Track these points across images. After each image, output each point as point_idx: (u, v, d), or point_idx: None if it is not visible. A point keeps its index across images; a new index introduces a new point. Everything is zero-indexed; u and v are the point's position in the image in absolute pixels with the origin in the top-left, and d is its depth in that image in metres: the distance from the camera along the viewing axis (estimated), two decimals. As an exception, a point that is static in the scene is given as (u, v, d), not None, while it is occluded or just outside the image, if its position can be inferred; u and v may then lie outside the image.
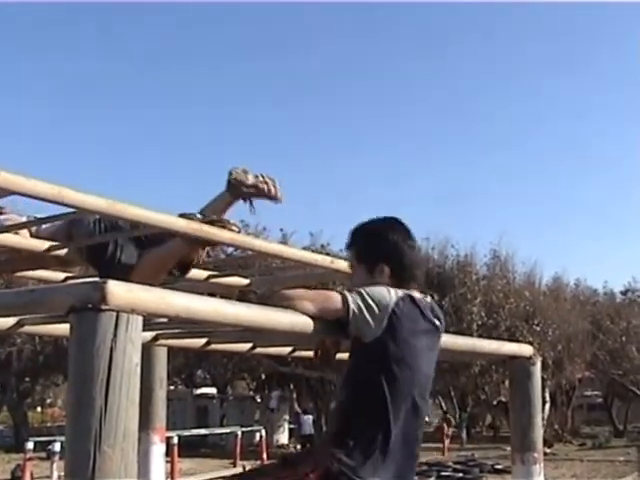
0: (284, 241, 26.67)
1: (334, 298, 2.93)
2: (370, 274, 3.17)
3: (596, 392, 40.99)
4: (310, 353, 4.07)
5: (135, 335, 2.08)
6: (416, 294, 3.13)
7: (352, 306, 2.88)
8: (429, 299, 3.23)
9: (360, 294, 2.96)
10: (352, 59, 79.71)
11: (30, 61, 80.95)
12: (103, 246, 4.04)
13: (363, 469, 2.86)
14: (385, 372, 2.94)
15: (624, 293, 38.50)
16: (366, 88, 78.42)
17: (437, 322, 3.15)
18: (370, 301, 2.93)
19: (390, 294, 2.98)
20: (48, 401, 59.06)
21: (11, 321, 3.23)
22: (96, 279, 2.12)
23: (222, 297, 3.31)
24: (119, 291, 2.04)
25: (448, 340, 3.67)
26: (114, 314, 2.03)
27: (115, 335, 2.03)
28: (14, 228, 4.04)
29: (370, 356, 2.96)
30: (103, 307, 2.02)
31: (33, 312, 2.69)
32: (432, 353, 3.16)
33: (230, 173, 4.10)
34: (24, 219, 4.13)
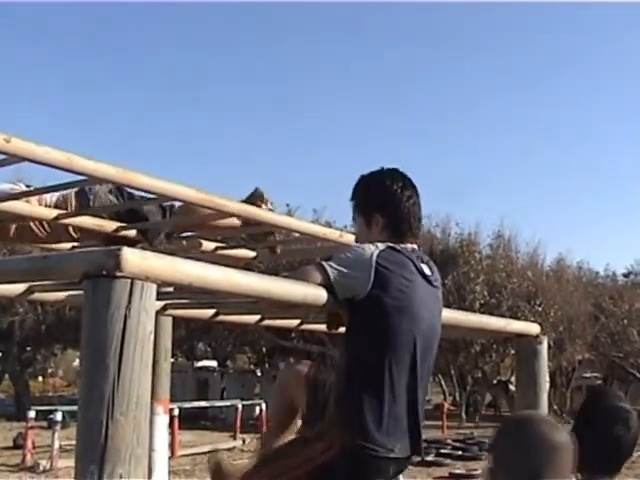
0: (289, 215, 26.65)
1: (310, 270, 2.90)
2: (367, 226, 3.16)
3: (596, 374, 41.06)
4: (315, 327, 4.08)
5: (149, 303, 2.06)
6: (406, 245, 3.08)
7: (329, 271, 2.85)
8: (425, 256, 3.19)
9: (336, 257, 2.96)
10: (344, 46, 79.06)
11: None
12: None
13: (377, 436, 2.84)
14: (383, 326, 2.90)
15: (626, 275, 38.55)
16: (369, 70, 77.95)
17: (428, 271, 3.08)
18: (348, 260, 2.92)
19: (368, 249, 2.94)
20: (49, 371, 59.26)
21: (22, 287, 3.22)
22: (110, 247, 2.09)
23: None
24: (133, 258, 2.03)
25: (456, 316, 3.65)
26: (128, 281, 2.02)
27: (129, 302, 2.02)
28: (23, 195, 4.03)
29: (365, 313, 2.91)
30: (117, 274, 2.00)
31: (46, 279, 2.68)
32: (432, 301, 3.10)
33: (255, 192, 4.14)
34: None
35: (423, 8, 71.88)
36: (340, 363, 3.07)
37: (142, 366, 2.04)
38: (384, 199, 3.14)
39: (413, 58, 73.88)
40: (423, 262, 3.11)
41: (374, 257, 2.90)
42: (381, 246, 2.97)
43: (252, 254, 4.84)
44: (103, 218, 4.17)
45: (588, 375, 40.32)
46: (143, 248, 2.32)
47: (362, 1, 59.55)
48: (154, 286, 2.09)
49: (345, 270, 2.87)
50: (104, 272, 2.01)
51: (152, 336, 2.08)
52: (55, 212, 3.87)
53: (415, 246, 3.14)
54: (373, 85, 77.42)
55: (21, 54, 79.67)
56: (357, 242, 3.23)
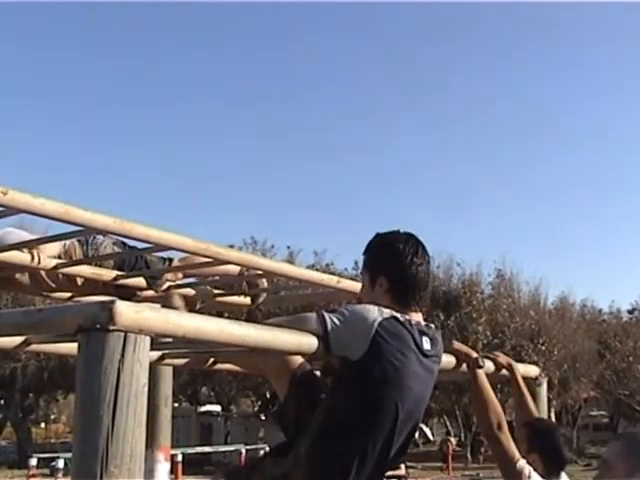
0: (291, 259, 26.75)
1: (309, 318, 2.88)
2: (371, 285, 3.10)
3: (602, 412, 40.82)
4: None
5: (143, 356, 2.08)
6: (413, 316, 3.03)
7: (329, 324, 2.82)
8: (430, 326, 3.13)
9: (340, 312, 2.90)
10: (335, 59, 79.55)
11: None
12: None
13: None
14: (366, 395, 2.87)
15: (631, 312, 38.40)
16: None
17: (427, 346, 3.01)
18: (351, 318, 2.87)
19: (374, 313, 2.88)
20: (52, 417, 59.00)
21: (18, 340, 3.24)
22: (104, 299, 2.11)
23: (229, 316, 3.32)
24: (127, 311, 2.04)
25: (451, 360, 3.65)
26: (122, 334, 2.04)
27: (123, 356, 2.03)
28: (21, 246, 4.06)
29: (353, 377, 2.89)
30: (111, 327, 2.02)
31: (41, 332, 2.69)
32: (424, 375, 3.04)
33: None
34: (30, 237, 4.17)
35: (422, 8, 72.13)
36: (318, 415, 3.05)
37: (136, 418, 2.04)
38: (393, 263, 3.09)
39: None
40: (426, 335, 3.05)
41: (375, 324, 2.85)
42: (386, 314, 2.91)
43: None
44: (103, 267, 4.22)
45: (594, 413, 40.05)
46: (138, 300, 2.34)
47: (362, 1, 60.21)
48: (148, 338, 2.11)
49: (344, 328, 2.84)
50: (98, 325, 2.03)
51: (146, 388, 2.09)
52: (55, 261, 3.89)
53: (420, 318, 3.08)
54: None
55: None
56: (360, 297, 3.21)
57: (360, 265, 3.45)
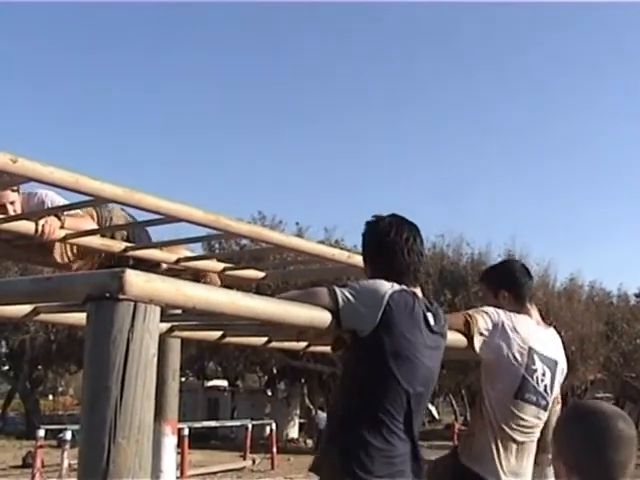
0: (300, 235, 26.69)
1: (321, 293, 2.91)
2: (370, 273, 3.19)
3: (608, 394, 40.77)
4: (324, 348, 4.05)
5: (152, 326, 2.05)
6: (415, 290, 3.11)
7: (340, 298, 2.86)
8: (432, 302, 3.20)
9: (351, 286, 2.95)
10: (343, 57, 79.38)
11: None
12: None
13: (374, 471, 2.82)
14: (382, 367, 2.90)
15: (639, 295, 38.31)
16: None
17: (432, 321, 3.08)
18: (362, 293, 2.92)
19: (384, 286, 2.95)
20: (60, 389, 59.30)
21: (27, 309, 3.21)
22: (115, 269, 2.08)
23: (238, 290, 3.29)
24: (137, 281, 2.01)
25: (460, 338, 3.62)
26: (132, 304, 2.01)
27: (132, 325, 2.00)
28: (31, 215, 4.03)
29: (366, 351, 2.92)
30: (121, 296, 1.99)
31: (50, 300, 2.66)
32: (432, 350, 3.10)
33: None
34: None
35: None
36: (336, 393, 3.08)
37: (145, 389, 2.02)
38: (380, 246, 3.18)
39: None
40: (429, 310, 3.11)
41: (386, 296, 2.90)
42: (396, 287, 2.97)
43: (261, 274, 4.83)
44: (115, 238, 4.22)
45: (600, 395, 40.03)
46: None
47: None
48: (158, 309, 2.08)
49: (355, 302, 2.87)
50: (107, 294, 2.00)
51: (155, 359, 2.06)
52: (63, 232, 3.87)
53: (419, 291, 3.15)
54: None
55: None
56: None
57: None
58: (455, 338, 3.77)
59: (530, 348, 3.91)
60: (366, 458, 2.84)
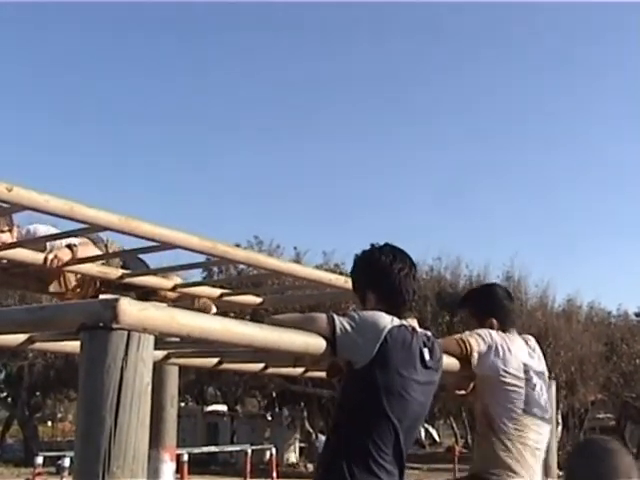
0: (297, 259, 26.69)
1: (320, 319, 2.90)
2: (362, 304, 3.18)
3: (609, 415, 40.66)
4: (321, 373, 4.05)
5: (146, 354, 2.05)
6: (413, 323, 3.09)
7: (338, 327, 2.85)
8: (428, 333, 3.18)
9: (351, 317, 2.94)
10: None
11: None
12: None
13: None
14: (373, 401, 2.90)
15: (638, 315, 38.28)
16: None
17: (427, 356, 3.06)
18: (361, 324, 2.90)
19: (384, 320, 2.93)
20: (59, 415, 59.04)
21: (22, 337, 3.22)
22: (108, 297, 2.08)
23: (235, 316, 3.29)
24: (131, 310, 2.01)
25: (453, 362, 3.62)
26: (125, 333, 2.01)
27: (126, 354, 2.00)
28: (26, 243, 4.04)
29: (359, 384, 2.92)
30: (114, 326, 1.99)
31: (44, 329, 2.67)
32: (427, 386, 3.09)
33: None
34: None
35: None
36: (333, 421, 3.08)
37: (139, 418, 2.01)
38: (373, 275, 3.17)
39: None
40: (426, 346, 3.09)
41: (385, 331, 2.90)
42: (396, 322, 2.96)
43: (258, 300, 4.83)
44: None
45: (601, 416, 39.89)
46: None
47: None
48: (152, 337, 2.08)
49: (353, 333, 2.87)
50: (101, 324, 2.00)
51: (149, 388, 2.06)
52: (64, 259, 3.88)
53: (416, 324, 3.13)
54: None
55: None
56: None
57: None
58: (448, 362, 3.78)
59: (525, 364, 3.98)
60: None
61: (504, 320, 4.12)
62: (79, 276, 4.34)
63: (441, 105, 73.45)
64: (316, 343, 2.74)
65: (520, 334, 4.20)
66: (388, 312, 3.02)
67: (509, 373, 3.89)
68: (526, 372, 3.96)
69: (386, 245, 3.24)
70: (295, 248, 31.11)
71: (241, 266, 23.93)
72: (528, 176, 71.19)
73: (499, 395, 3.89)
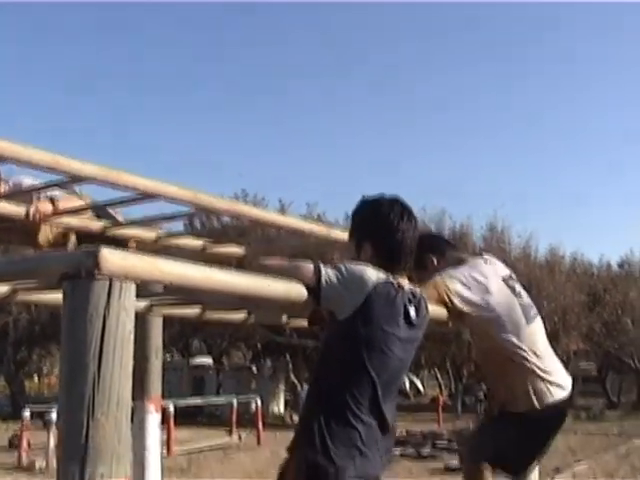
0: (282, 211, 26.68)
1: (306, 268, 2.90)
2: (356, 252, 3.13)
3: (591, 364, 41.09)
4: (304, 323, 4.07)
5: (128, 302, 2.06)
6: (402, 281, 3.06)
7: (323, 277, 2.84)
8: (416, 290, 3.16)
9: (338, 268, 2.91)
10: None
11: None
12: None
13: (339, 459, 2.84)
14: (353, 354, 2.90)
15: (621, 265, 38.55)
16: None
17: (413, 314, 3.05)
18: (347, 277, 2.89)
19: (371, 275, 2.91)
20: (45, 370, 59.16)
21: (5, 289, 3.22)
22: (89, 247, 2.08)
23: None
24: (113, 258, 2.02)
25: (438, 310, 3.65)
26: (107, 281, 2.01)
27: (108, 302, 2.01)
28: (13, 196, 4.03)
29: (340, 335, 2.92)
30: (96, 274, 1.99)
31: (26, 279, 2.67)
32: (409, 343, 3.08)
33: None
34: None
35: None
36: (314, 373, 3.10)
37: (122, 366, 2.03)
38: (377, 228, 3.10)
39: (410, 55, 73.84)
40: (412, 304, 3.07)
41: (370, 286, 2.88)
42: (382, 277, 2.94)
43: (242, 251, 4.84)
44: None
45: (583, 366, 40.32)
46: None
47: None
48: (133, 285, 2.08)
49: (338, 285, 2.86)
50: (83, 272, 2.00)
51: (132, 336, 2.07)
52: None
53: (407, 283, 3.10)
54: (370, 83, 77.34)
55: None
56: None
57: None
58: (438, 312, 3.83)
59: (502, 277, 4.20)
60: (327, 440, 2.85)
61: (440, 249, 4.24)
62: (58, 229, 4.32)
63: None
64: (298, 292, 2.75)
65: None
66: (381, 268, 3.00)
67: (500, 294, 4.03)
68: (506, 283, 4.09)
69: (397, 200, 3.16)
70: (280, 200, 31.14)
71: (225, 219, 24.09)
72: (514, 124, 71.25)
73: (503, 324, 4.00)
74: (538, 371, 4.03)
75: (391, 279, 2.98)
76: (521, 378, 4.02)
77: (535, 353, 4.06)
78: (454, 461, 16.54)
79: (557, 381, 4.12)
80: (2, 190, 4.15)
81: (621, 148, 73.51)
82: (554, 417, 4.18)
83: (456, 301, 3.85)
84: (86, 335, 1.98)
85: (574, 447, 20.14)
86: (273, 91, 75.36)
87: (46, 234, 4.37)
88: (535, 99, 74.93)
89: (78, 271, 2.01)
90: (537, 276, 29.35)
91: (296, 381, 34.37)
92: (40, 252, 4.08)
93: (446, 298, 3.82)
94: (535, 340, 4.12)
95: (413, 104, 77.29)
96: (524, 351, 4.01)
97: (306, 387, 30.48)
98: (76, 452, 1.94)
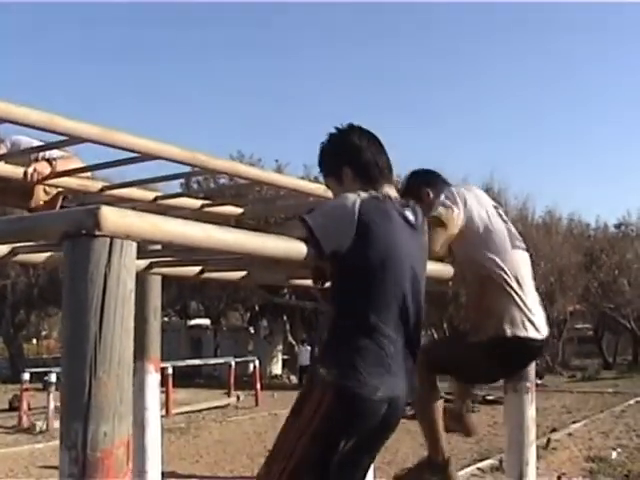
0: (279, 171, 26.62)
1: (293, 225, 2.92)
2: (339, 183, 3.17)
3: (587, 325, 41.31)
4: (305, 282, 4.07)
5: (129, 261, 2.04)
6: (389, 191, 3.11)
7: (311, 222, 2.84)
8: (408, 201, 3.20)
9: (318, 209, 2.97)
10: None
11: None
12: None
13: (361, 377, 2.82)
14: (368, 279, 2.90)
15: (617, 227, 38.63)
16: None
17: (411, 217, 3.09)
18: (330, 211, 2.93)
19: (350, 198, 2.93)
20: (43, 333, 59.44)
21: (4, 250, 3.20)
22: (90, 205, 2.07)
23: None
24: (113, 217, 2.00)
25: (434, 268, 3.64)
26: (108, 240, 1.99)
27: (109, 261, 1.99)
28: (11, 157, 4.01)
29: (349, 266, 2.90)
30: (97, 233, 1.98)
31: (26, 240, 2.66)
32: (416, 250, 3.10)
33: None
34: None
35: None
36: (327, 317, 3.08)
37: (124, 325, 2.02)
38: (345, 151, 3.17)
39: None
40: (406, 207, 3.11)
41: (356, 207, 2.88)
42: (363, 195, 2.95)
43: (240, 210, 4.83)
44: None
45: (579, 326, 40.52)
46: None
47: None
48: (134, 244, 2.07)
49: (327, 222, 2.86)
50: (83, 231, 1.99)
51: (132, 295, 2.06)
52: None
53: (394, 193, 3.14)
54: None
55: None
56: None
57: None
58: (441, 269, 3.83)
59: (493, 205, 4.24)
60: (356, 359, 2.83)
61: (435, 183, 4.33)
62: (51, 191, 4.31)
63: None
64: (298, 247, 2.73)
65: None
66: (366, 186, 3.04)
67: (489, 215, 4.13)
68: (496, 210, 4.22)
69: (350, 125, 3.24)
70: (276, 161, 31.10)
71: (222, 180, 24.04)
72: (508, 92, 70.95)
73: (487, 242, 4.05)
74: (517, 299, 3.98)
75: (374, 193, 3.01)
76: (499, 302, 3.97)
77: (517, 280, 4.01)
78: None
79: (534, 320, 4.04)
80: (1, 151, 4.13)
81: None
82: (520, 355, 4.14)
83: (456, 219, 3.98)
84: (87, 293, 1.97)
85: (570, 407, 20.32)
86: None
87: (39, 196, 4.36)
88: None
89: (78, 230, 1.99)
90: (534, 237, 29.39)
91: (294, 342, 34.54)
92: (39, 212, 4.07)
93: (451, 224, 3.95)
94: (518, 268, 4.07)
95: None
96: (505, 273, 3.98)
97: (302, 347, 30.72)
98: (79, 411, 1.94)
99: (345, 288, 2.95)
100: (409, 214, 3.09)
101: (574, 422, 16.42)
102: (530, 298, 4.08)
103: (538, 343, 4.08)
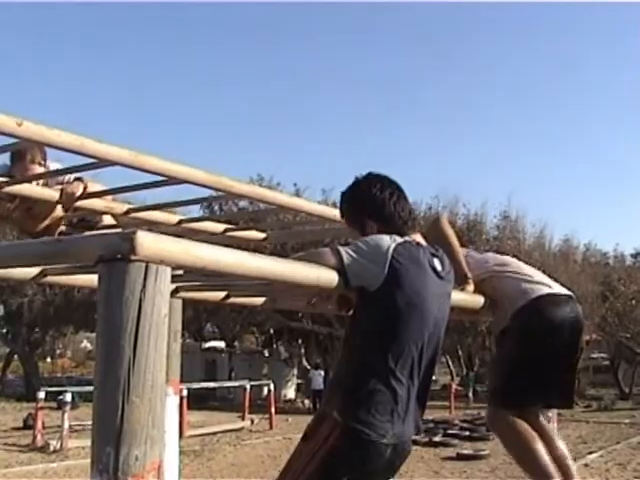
0: (297, 196, 26.70)
1: (325, 253, 2.93)
2: (363, 235, 3.16)
3: (603, 354, 41.02)
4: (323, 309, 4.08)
5: (164, 286, 2.07)
6: (417, 238, 3.14)
7: (344, 256, 2.87)
8: (435, 247, 3.22)
9: (353, 244, 2.97)
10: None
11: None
12: None
13: (371, 419, 2.84)
14: (392, 319, 2.91)
15: (635, 256, 38.49)
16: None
17: (439, 267, 3.11)
18: (365, 248, 2.93)
19: (387, 240, 2.96)
20: (58, 352, 59.58)
21: (35, 271, 3.24)
22: (125, 230, 2.09)
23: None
24: (148, 242, 2.03)
25: (455, 297, 3.65)
26: (143, 265, 2.02)
27: (144, 286, 2.01)
28: (34, 178, 4.05)
29: (375, 305, 2.91)
30: (132, 257, 2.00)
31: (60, 262, 2.68)
32: (442, 297, 3.13)
33: None
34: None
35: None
36: (344, 347, 3.08)
37: (157, 349, 2.04)
38: (367, 205, 3.19)
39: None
40: (435, 256, 3.13)
41: (390, 250, 2.91)
42: (398, 239, 2.98)
43: (261, 235, 4.86)
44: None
45: (596, 356, 40.23)
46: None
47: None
48: (168, 269, 2.09)
49: (360, 258, 2.88)
50: (119, 255, 2.01)
51: (166, 319, 2.09)
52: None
53: (421, 239, 3.17)
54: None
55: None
56: None
57: None
58: (471, 299, 3.85)
59: None
60: (367, 403, 2.85)
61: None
62: (52, 215, 4.33)
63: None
64: (328, 276, 2.75)
65: None
66: (394, 234, 3.05)
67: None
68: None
69: (370, 174, 3.27)
70: (295, 184, 31.20)
71: (241, 203, 24.12)
72: (528, 118, 70.90)
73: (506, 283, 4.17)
74: (522, 277, 4.18)
75: (408, 239, 3.05)
76: (508, 286, 4.11)
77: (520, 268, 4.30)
78: (465, 449, 16.61)
79: (549, 283, 4.23)
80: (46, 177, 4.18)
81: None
82: (552, 318, 4.10)
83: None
84: (122, 318, 1.99)
85: (585, 437, 20.16)
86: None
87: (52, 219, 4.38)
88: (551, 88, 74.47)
89: (114, 254, 2.02)
90: (551, 265, 29.29)
91: (308, 366, 34.47)
92: (74, 235, 4.09)
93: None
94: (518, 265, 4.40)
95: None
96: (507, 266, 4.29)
97: (314, 371, 30.63)
98: (111, 434, 1.95)
99: (367, 327, 2.96)
100: (437, 263, 3.11)
101: (590, 452, 16.28)
102: (537, 274, 4.30)
103: (564, 297, 4.19)
